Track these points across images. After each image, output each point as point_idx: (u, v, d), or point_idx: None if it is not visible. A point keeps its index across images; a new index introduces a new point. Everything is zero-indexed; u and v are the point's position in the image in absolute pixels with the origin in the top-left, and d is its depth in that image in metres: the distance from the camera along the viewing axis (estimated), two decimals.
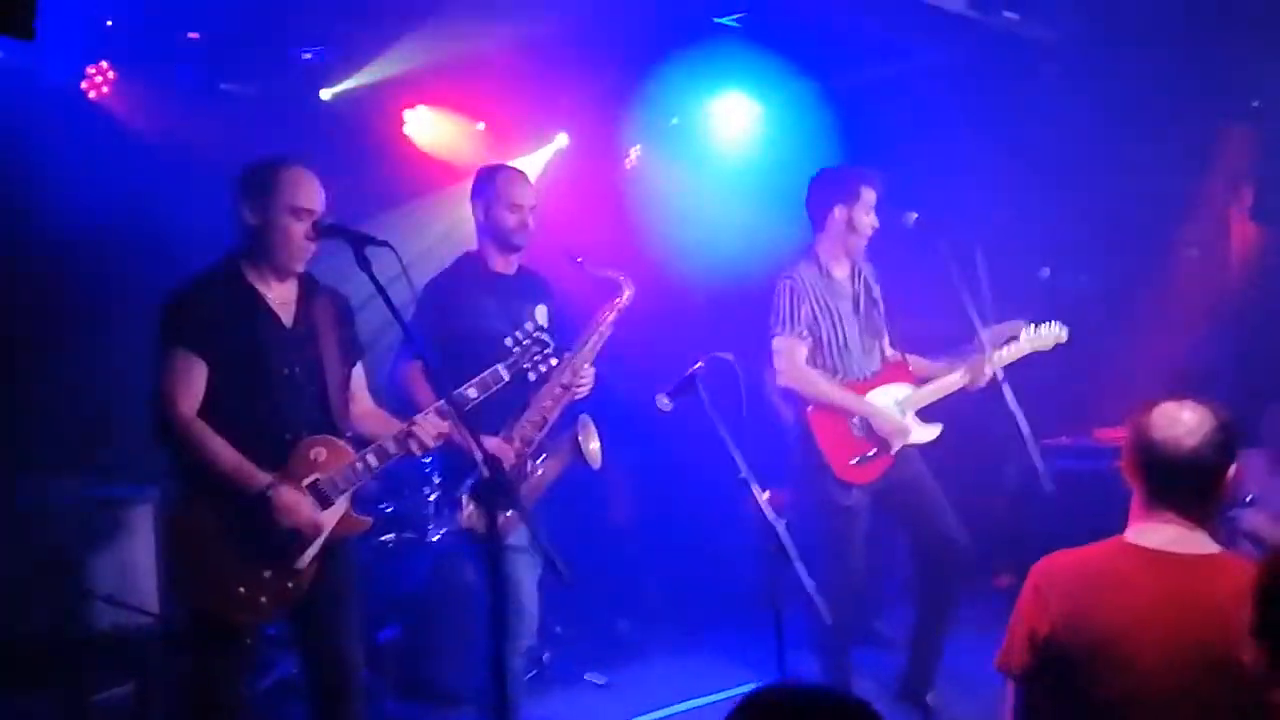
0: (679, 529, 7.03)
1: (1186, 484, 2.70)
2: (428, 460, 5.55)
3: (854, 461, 5.06)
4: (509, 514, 4.03)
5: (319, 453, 3.70)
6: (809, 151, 7.11)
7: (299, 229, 3.69)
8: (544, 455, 4.54)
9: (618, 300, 4.61)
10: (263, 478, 3.56)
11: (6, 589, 4.79)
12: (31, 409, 5.39)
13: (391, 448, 3.77)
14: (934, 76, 7.22)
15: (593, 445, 4.61)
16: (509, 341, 4.09)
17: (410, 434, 3.79)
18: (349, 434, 3.85)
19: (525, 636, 4.52)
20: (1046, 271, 7.06)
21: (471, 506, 4.36)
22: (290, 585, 3.64)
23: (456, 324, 4.51)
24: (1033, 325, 5.30)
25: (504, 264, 4.73)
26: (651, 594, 6.98)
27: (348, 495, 3.75)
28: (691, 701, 5.83)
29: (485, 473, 3.46)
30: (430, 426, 3.84)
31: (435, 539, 5.82)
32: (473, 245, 4.81)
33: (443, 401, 3.77)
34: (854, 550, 5.14)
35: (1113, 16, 6.98)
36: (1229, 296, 7.78)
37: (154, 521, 5.01)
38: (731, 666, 5.70)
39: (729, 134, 7.87)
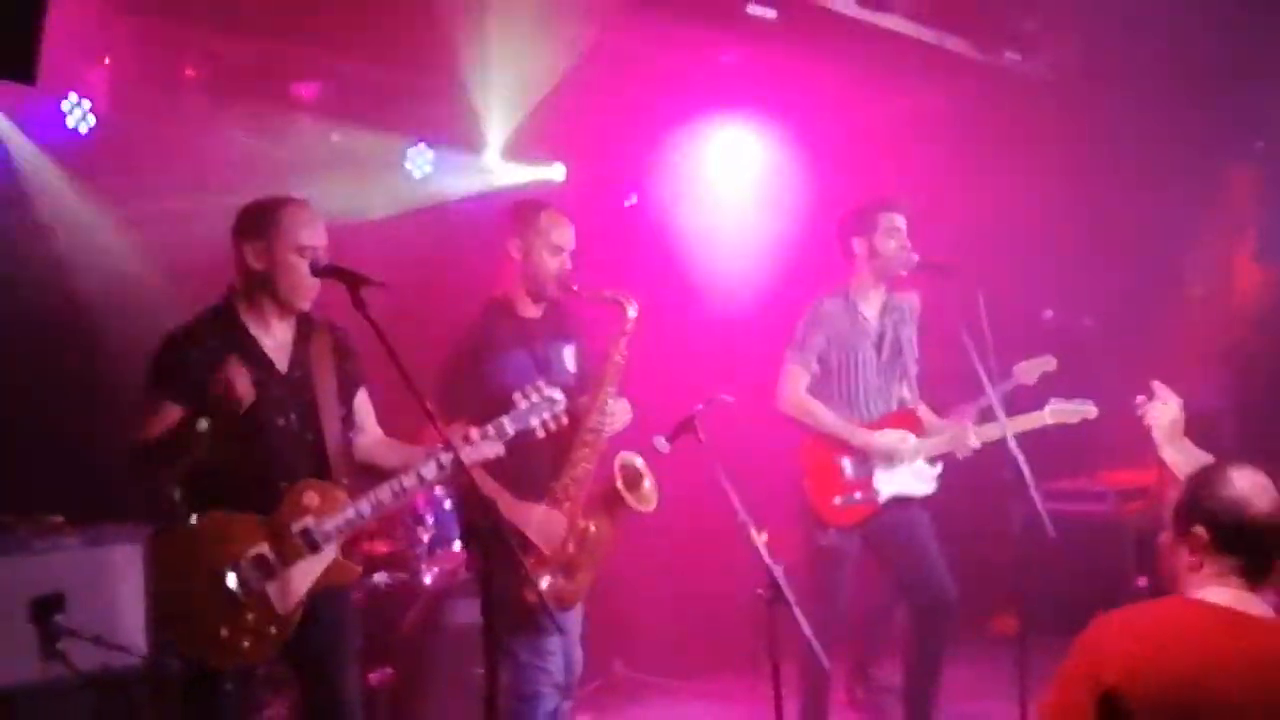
0: (676, 571, 6.96)
1: (1254, 546, 2.63)
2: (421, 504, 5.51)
3: (837, 501, 5.00)
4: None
5: (311, 498, 3.63)
6: (809, 188, 7.11)
7: (305, 268, 3.64)
8: (592, 514, 4.31)
9: (625, 324, 4.35)
10: (199, 421, 3.47)
11: None
12: (15, 446, 5.32)
13: (386, 495, 3.69)
14: (935, 115, 7.20)
15: (644, 485, 4.40)
16: (516, 396, 3.89)
17: (437, 461, 3.68)
18: (345, 482, 3.76)
19: (548, 696, 4.31)
20: (1050, 313, 7.02)
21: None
22: (273, 630, 3.56)
23: (491, 383, 4.25)
24: (1063, 400, 5.20)
25: (533, 309, 4.46)
26: (647, 638, 6.90)
27: (337, 543, 3.67)
28: None
29: (480, 512, 3.39)
30: (485, 448, 3.75)
31: (428, 580, 5.76)
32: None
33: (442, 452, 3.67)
34: (836, 594, 5.06)
35: (1115, 57, 6.98)
36: (1233, 339, 7.75)
37: (142, 561, 4.95)
38: (728, 713, 5.61)
39: (732, 167, 7.83)
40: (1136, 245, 7.56)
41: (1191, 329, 7.66)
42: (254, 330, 3.70)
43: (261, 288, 3.68)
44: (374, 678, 5.53)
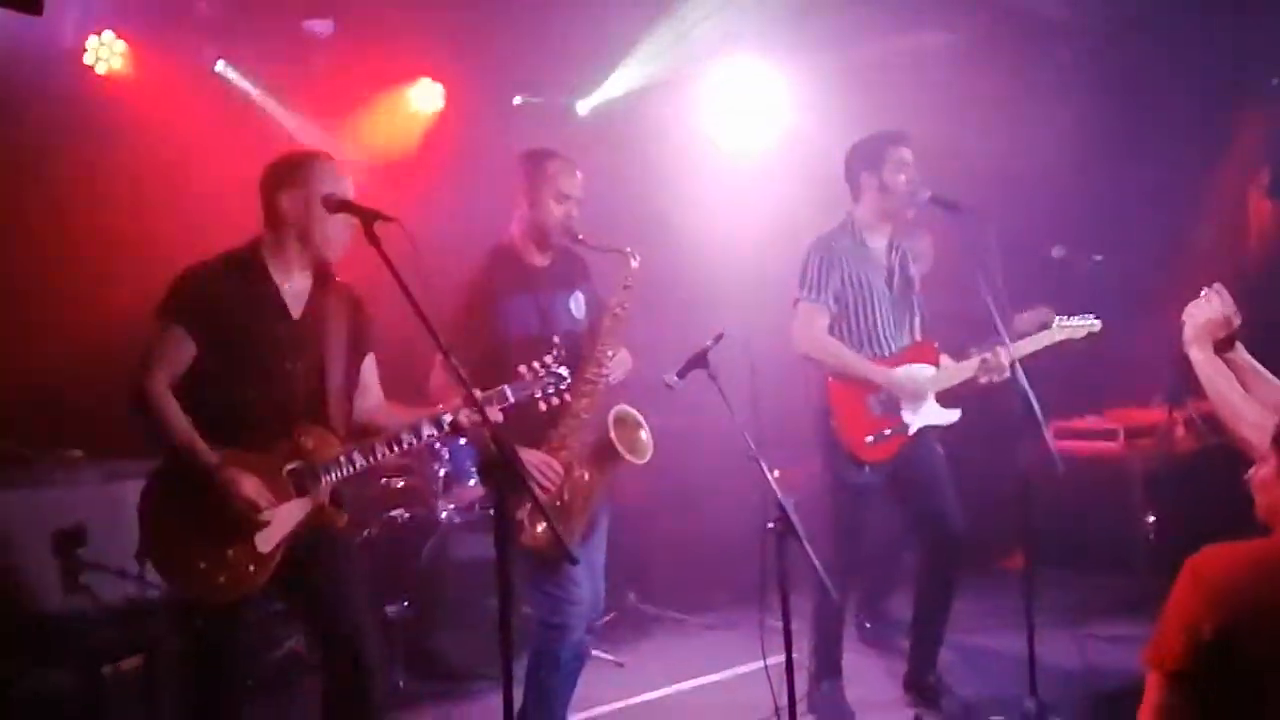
0: (688, 507, 7.02)
1: None
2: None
3: (869, 440, 5.01)
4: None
5: (306, 441, 3.67)
6: (820, 124, 7.08)
7: (338, 220, 3.68)
8: (587, 463, 4.34)
9: (627, 275, 4.39)
10: (210, 457, 3.52)
11: (19, 563, 4.80)
12: (38, 383, 5.38)
13: (381, 447, 3.73)
14: (948, 54, 7.16)
15: (640, 437, 4.43)
16: (522, 368, 3.92)
17: (453, 422, 3.74)
18: (342, 432, 3.79)
19: (575, 627, 4.36)
20: (1060, 250, 7.00)
21: (538, 527, 4.13)
22: (251, 569, 3.58)
23: (494, 329, 4.31)
24: (1066, 316, 5.23)
25: (539, 257, 4.47)
26: (661, 572, 6.98)
27: (326, 487, 3.69)
28: (699, 679, 5.85)
29: (493, 450, 3.42)
30: (452, 404, 3.79)
31: (444, 515, 5.83)
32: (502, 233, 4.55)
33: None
34: (863, 530, 5.11)
35: None
36: (1246, 276, 7.74)
37: None
38: (739, 646, 5.70)
39: (741, 100, 7.74)
40: (1149, 183, 7.53)
41: (1204, 266, 7.65)
42: (275, 275, 3.73)
43: (294, 236, 3.72)
44: (391, 610, 5.62)
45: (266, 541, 3.59)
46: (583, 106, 7.83)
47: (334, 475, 3.69)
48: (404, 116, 7.22)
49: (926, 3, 6.90)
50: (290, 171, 3.73)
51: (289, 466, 3.64)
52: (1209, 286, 3.34)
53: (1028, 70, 7.13)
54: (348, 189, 3.72)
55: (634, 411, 4.46)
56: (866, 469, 5.02)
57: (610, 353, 4.39)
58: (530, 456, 4.20)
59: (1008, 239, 5.32)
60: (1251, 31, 6.97)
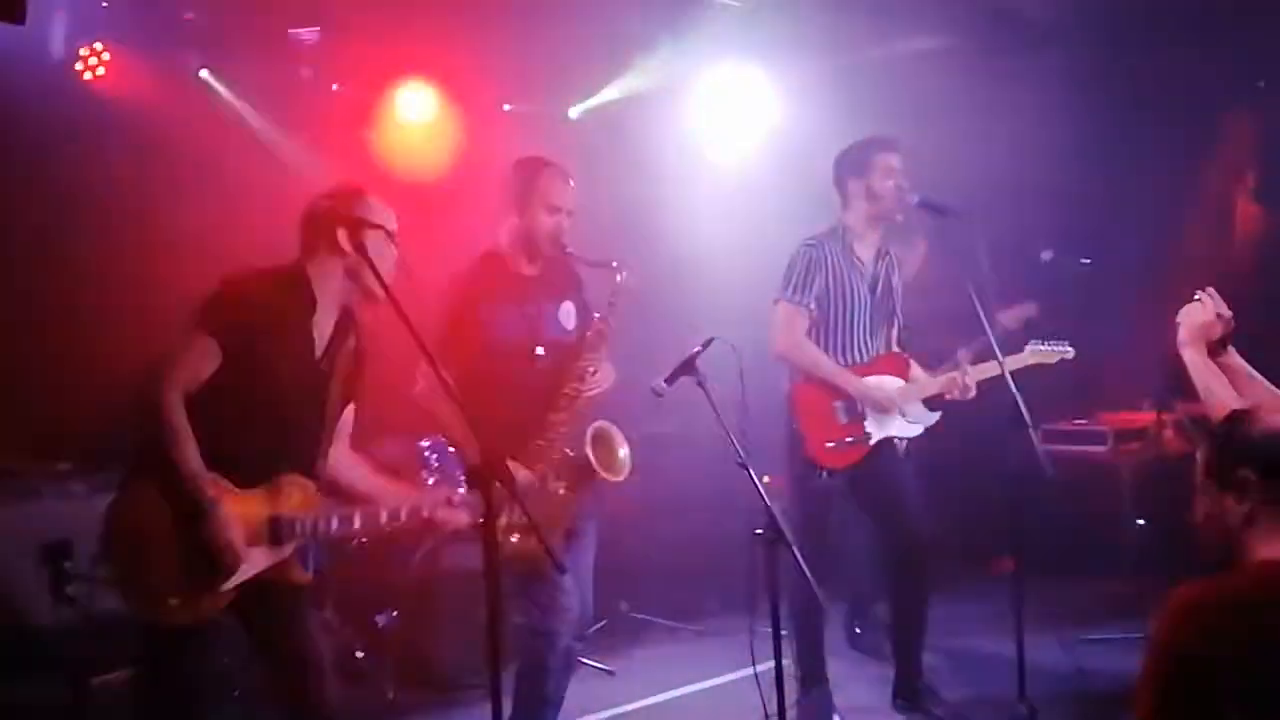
0: (678, 514, 7.02)
1: None
2: (426, 444, 5.54)
3: (829, 445, 5.02)
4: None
5: (292, 492, 3.62)
6: (809, 130, 7.08)
7: (390, 254, 3.63)
8: (563, 477, 4.34)
9: (613, 290, 4.39)
10: (211, 491, 3.46)
11: (7, 576, 4.79)
12: (28, 393, 5.36)
13: (357, 521, 3.70)
14: (936, 57, 7.17)
15: (619, 454, 4.43)
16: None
17: (412, 510, 3.72)
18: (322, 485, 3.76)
19: (563, 635, 4.39)
20: (1049, 254, 7.02)
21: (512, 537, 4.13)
22: (202, 601, 3.52)
23: (471, 336, 4.32)
24: (1040, 341, 5.24)
25: (527, 266, 4.48)
26: (651, 579, 6.97)
27: (297, 543, 3.65)
28: (689, 687, 5.85)
29: (477, 459, 3.41)
30: (435, 496, 3.80)
31: None
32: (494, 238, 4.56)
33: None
34: (824, 532, 5.08)
35: None
36: (1233, 279, 7.75)
37: None
38: (729, 653, 5.68)
39: (730, 106, 7.73)
40: (1136, 186, 7.55)
41: (1191, 269, 7.66)
42: (317, 309, 3.66)
43: (343, 272, 3.64)
44: (381, 620, 5.60)
45: (226, 584, 3.53)
46: (574, 112, 7.82)
47: (309, 534, 3.65)
48: (393, 124, 7.20)
49: (915, 7, 6.90)
50: (352, 206, 3.65)
51: (270, 513, 3.58)
52: (1202, 290, 3.35)
53: (1015, 74, 7.14)
54: (392, 222, 3.67)
55: (613, 430, 4.45)
56: (823, 474, 5.02)
57: (592, 368, 4.38)
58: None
59: (996, 242, 5.33)
60: (1238, 35, 6.99)
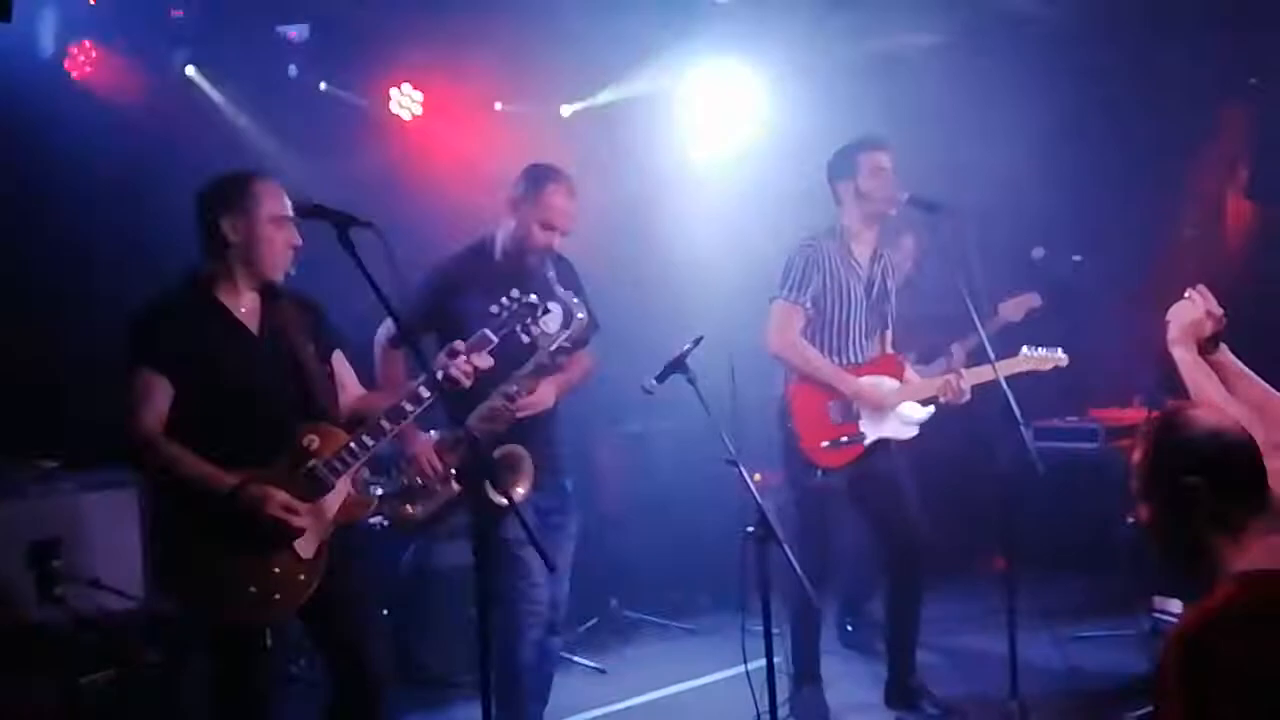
0: (668, 512, 7.01)
1: (1257, 471, 2.44)
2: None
3: (825, 445, 5.01)
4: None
5: (311, 440, 3.65)
6: (801, 128, 7.07)
7: (281, 239, 3.69)
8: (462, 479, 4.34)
9: (570, 333, 4.35)
10: (227, 480, 3.49)
11: None
12: (12, 391, 5.33)
13: (386, 423, 3.71)
14: (927, 55, 7.16)
15: (520, 487, 4.31)
16: (494, 308, 3.95)
17: (449, 374, 3.76)
18: (342, 421, 3.79)
19: (531, 626, 4.43)
20: (1041, 251, 7.01)
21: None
22: (302, 577, 3.59)
23: (450, 325, 4.33)
24: (1034, 347, 5.24)
25: (517, 265, 4.50)
26: (642, 577, 6.97)
27: (348, 477, 3.69)
28: (681, 685, 5.83)
29: (465, 451, 3.41)
30: (475, 360, 3.82)
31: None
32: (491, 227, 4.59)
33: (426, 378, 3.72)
34: (824, 531, 5.10)
35: None
36: (1225, 275, 7.75)
37: (137, 506, 4.99)
38: (721, 650, 5.68)
39: (722, 106, 7.68)
40: (1128, 183, 7.54)
41: (1183, 266, 7.67)
42: (225, 300, 3.71)
43: (237, 259, 3.69)
44: None
45: (308, 546, 3.59)
46: (566, 111, 7.80)
47: (350, 463, 3.68)
48: (382, 122, 7.17)
49: (905, 4, 6.89)
50: (230, 195, 3.70)
51: (304, 469, 3.61)
52: (1192, 288, 3.33)
53: (1007, 70, 7.13)
54: (289, 207, 3.70)
55: (526, 459, 4.39)
56: (819, 473, 5.01)
57: (519, 390, 4.34)
58: (420, 444, 4.29)
59: (988, 240, 5.33)
60: (1231, 31, 6.99)
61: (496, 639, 4.35)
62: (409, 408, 3.72)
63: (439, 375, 3.74)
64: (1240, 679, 2.21)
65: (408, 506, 4.36)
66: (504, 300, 3.95)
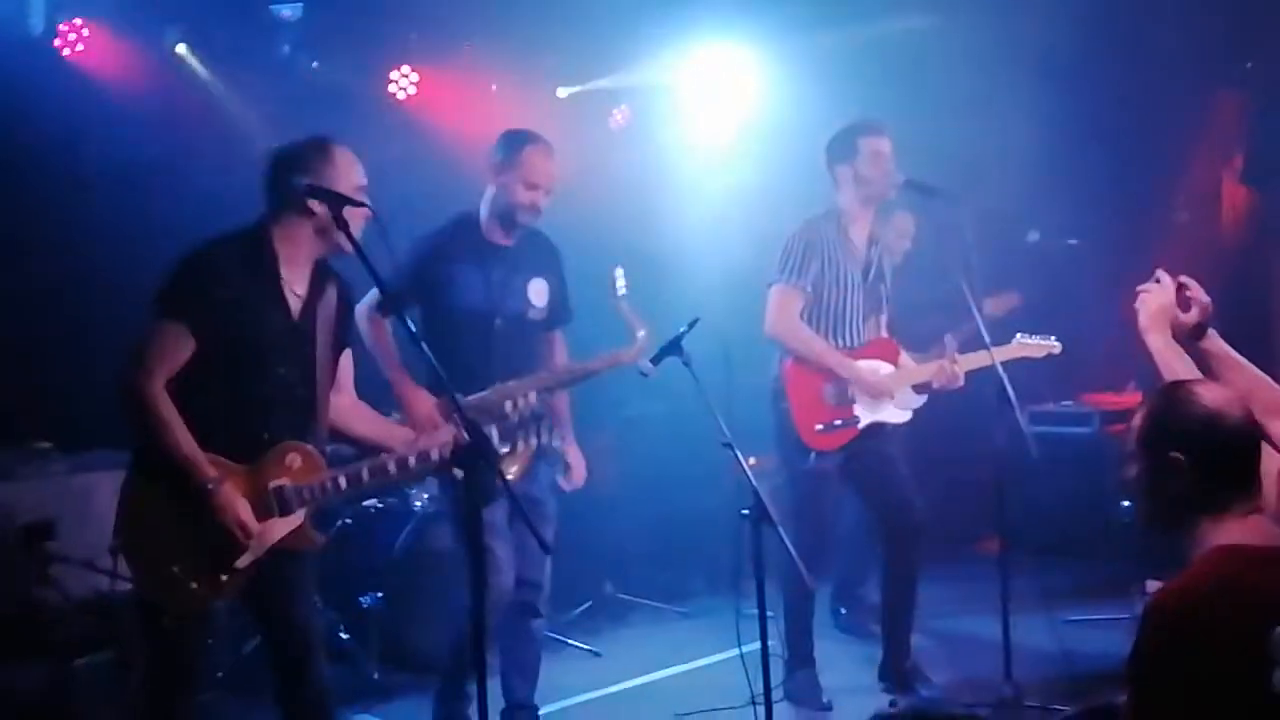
0: (662, 494, 7.02)
1: (1235, 460, 2.48)
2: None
3: (819, 428, 5.02)
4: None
5: (294, 459, 3.58)
6: (798, 111, 7.05)
7: (359, 211, 3.54)
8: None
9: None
10: (209, 472, 3.43)
11: None
12: (5, 373, 5.32)
13: (365, 474, 3.66)
14: (923, 38, 7.14)
15: (511, 469, 4.36)
16: (508, 406, 4.04)
17: (421, 455, 3.69)
18: (327, 449, 3.72)
19: (493, 613, 4.46)
20: (1035, 235, 7.02)
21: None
22: (224, 579, 3.51)
23: (435, 294, 4.39)
24: (1028, 334, 5.24)
25: (501, 235, 4.52)
26: (635, 561, 6.98)
27: (308, 510, 3.62)
28: (675, 668, 5.84)
29: (465, 437, 3.38)
30: (440, 437, 3.76)
31: (418, 505, 5.80)
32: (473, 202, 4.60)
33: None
34: (819, 513, 5.12)
35: None
36: (1219, 261, 7.76)
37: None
38: (715, 633, 5.69)
39: (719, 90, 7.65)
40: (1123, 166, 7.54)
41: (1177, 251, 7.67)
42: (283, 268, 3.59)
43: (312, 229, 3.57)
44: (365, 602, 5.58)
45: (244, 559, 3.52)
46: (563, 92, 7.77)
47: (317, 499, 3.62)
48: (380, 102, 7.13)
49: None
50: (317, 159, 3.57)
51: (274, 483, 3.55)
52: (1169, 274, 3.31)
53: (1003, 53, 7.11)
54: (363, 175, 3.62)
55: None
56: (813, 456, 5.03)
57: (525, 401, 4.35)
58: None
59: (983, 223, 5.32)
60: (1226, 15, 6.98)
61: (453, 619, 4.49)
62: (392, 470, 3.67)
63: (434, 455, 3.66)
64: (1209, 650, 2.27)
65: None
66: (519, 402, 4.08)
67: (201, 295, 3.47)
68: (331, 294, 3.72)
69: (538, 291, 4.57)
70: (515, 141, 4.50)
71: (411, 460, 3.67)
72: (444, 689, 4.61)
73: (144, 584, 3.53)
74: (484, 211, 4.54)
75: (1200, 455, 2.47)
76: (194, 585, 3.48)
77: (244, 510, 3.47)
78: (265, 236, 3.59)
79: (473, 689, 4.50)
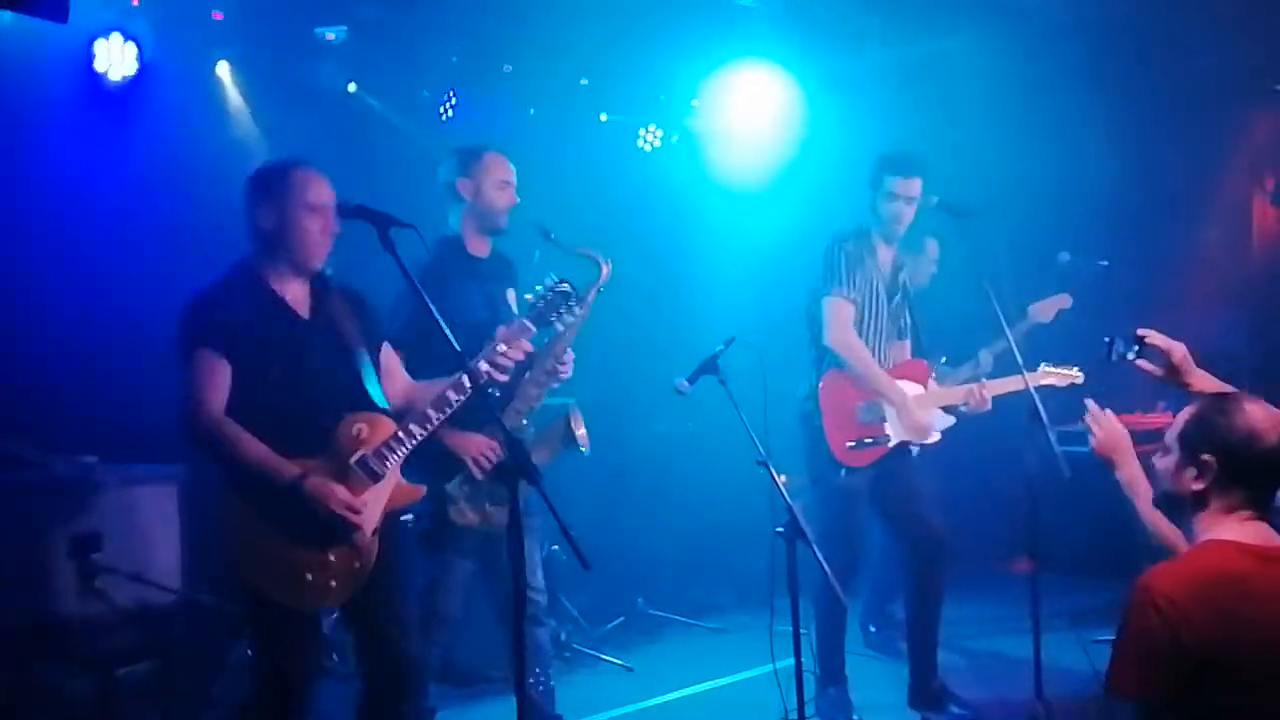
0: (694, 511, 7.06)
1: (1261, 478, 2.68)
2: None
3: (850, 445, 5.06)
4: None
5: (361, 429, 3.71)
6: (832, 131, 7.11)
7: (316, 227, 3.74)
8: (535, 443, 4.47)
9: (598, 280, 4.48)
10: (290, 470, 3.56)
11: (35, 567, 4.83)
12: (50, 387, 5.40)
13: (433, 413, 3.79)
14: (954, 59, 7.18)
15: (581, 431, 4.56)
16: (529, 296, 4.08)
17: (493, 363, 3.87)
18: (390, 410, 3.84)
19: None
20: (1066, 255, 7.03)
21: (462, 503, 4.37)
22: (358, 564, 3.67)
23: (444, 316, 4.43)
24: (1052, 363, 5.26)
25: (481, 247, 4.66)
26: (667, 577, 7.02)
27: (397, 466, 3.76)
28: (707, 683, 5.88)
29: (505, 454, 3.47)
30: (513, 350, 3.92)
31: (407, 519, 5.82)
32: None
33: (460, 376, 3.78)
34: (850, 531, 5.15)
35: (1136, 1, 6.94)
36: (1250, 281, 7.76)
37: (177, 500, 5.06)
38: (747, 650, 5.72)
39: (752, 109, 7.70)
40: (1155, 188, 7.55)
41: (1209, 271, 7.67)
42: (274, 285, 3.77)
43: (275, 246, 3.75)
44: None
45: (363, 537, 3.66)
46: (604, 116, 7.83)
47: (398, 453, 3.74)
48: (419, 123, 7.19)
49: (933, 8, 6.92)
50: (266, 184, 3.77)
51: (354, 458, 3.67)
52: (1088, 402, 3.37)
53: (1034, 74, 7.15)
54: (328, 195, 3.76)
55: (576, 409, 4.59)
56: (843, 472, 5.07)
57: (569, 352, 4.48)
58: (471, 440, 4.33)
59: (1015, 244, 5.35)
60: (1259, 37, 6.99)
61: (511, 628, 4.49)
62: (454, 397, 3.80)
63: (482, 365, 3.83)
64: (1187, 631, 2.46)
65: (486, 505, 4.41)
66: (539, 288, 4.07)
67: (213, 320, 3.64)
68: (339, 299, 3.87)
69: (513, 300, 4.70)
70: (473, 152, 4.64)
71: (466, 380, 3.77)
72: None
73: (282, 597, 3.61)
74: (463, 228, 4.64)
75: (1231, 463, 2.65)
76: (333, 584, 3.63)
77: (340, 490, 3.59)
78: (247, 264, 3.78)
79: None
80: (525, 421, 4.49)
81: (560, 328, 4.22)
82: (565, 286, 4.07)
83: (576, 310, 4.23)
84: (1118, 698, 2.54)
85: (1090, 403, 3.39)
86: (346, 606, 3.83)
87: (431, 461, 4.17)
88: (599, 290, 4.47)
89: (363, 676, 3.89)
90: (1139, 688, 2.51)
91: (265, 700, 3.68)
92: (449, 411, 3.82)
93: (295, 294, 3.79)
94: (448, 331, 3.48)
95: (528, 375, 4.40)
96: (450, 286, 4.47)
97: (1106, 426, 3.36)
